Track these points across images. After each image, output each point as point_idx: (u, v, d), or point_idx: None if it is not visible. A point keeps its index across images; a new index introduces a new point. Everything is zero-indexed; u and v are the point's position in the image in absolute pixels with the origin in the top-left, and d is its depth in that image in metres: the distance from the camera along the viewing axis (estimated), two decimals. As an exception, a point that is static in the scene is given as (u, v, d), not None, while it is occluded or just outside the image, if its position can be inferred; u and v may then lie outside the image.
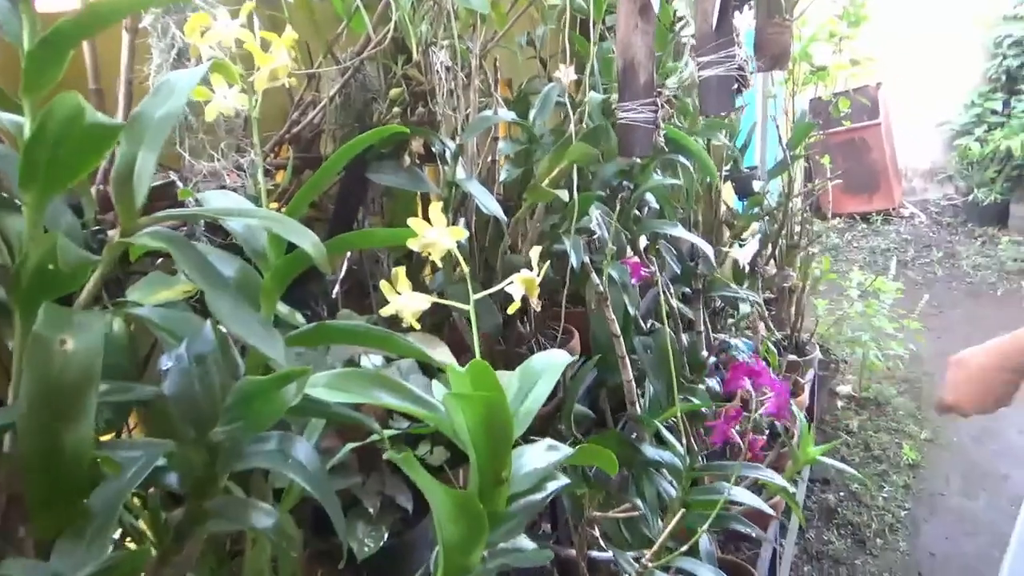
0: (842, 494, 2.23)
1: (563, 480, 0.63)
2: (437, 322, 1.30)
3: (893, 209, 4.95)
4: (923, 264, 4.27)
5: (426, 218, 1.18)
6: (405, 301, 0.60)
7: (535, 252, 0.59)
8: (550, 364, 0.64)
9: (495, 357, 1.30)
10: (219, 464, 0.57)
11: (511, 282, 0.59)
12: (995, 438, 2.52)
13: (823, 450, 1.30)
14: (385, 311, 0.59)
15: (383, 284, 0.60)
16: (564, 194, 0.99)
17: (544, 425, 1.25)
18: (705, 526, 0.92)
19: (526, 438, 0.64)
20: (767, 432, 1.47)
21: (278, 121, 1.15)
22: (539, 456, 0.60)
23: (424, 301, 0.60)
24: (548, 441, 0.64)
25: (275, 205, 1.11)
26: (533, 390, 0.62)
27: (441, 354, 1.12)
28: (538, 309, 1.46)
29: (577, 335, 1.50)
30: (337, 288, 1.24)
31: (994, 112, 4.99)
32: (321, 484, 0.58)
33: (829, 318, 2.68)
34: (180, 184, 0.95)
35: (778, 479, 1.02)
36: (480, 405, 0.51)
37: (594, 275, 0.99)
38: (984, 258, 4.36)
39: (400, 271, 0.60)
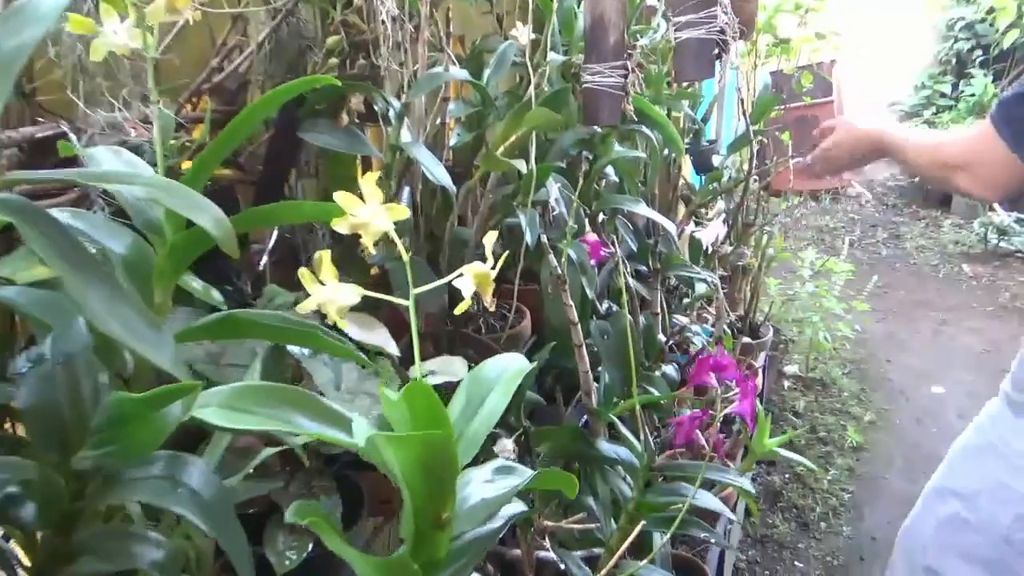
0: (787, 476, 2.22)
1: (518, 507, 0.54)
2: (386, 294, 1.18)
3: (841, 188, 4.98)
4: (869, 244, 4.31)
5: (387, 170, 1.04)
6: (330, 294, 0.49)
7: (489, 238, 0.49)
8: (505, 372, 0.54)
9: (439, 338, 1.20)
10: (89, 496, 0.45)
11: (460, 274, 0.48)
12: (936, 420, 2.55)
13: (779, 442, 1.24)
14: (304, 306, 0.47)
15: (302, 273, 0.48)
16: (521, 164, 0.88)
17: (491, 414, 1.15)
18: (667, 537, 0.84)
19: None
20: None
21: (198, 68, 1.00)
22: (488, 485, 0.51)
23: (353, 295, 0.49)
24: (497, 463, 0.54)
25: (188, 165, 0.98)
26: (484, 405, 0.51)
27: (379, 336, 1.01)
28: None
29: (528, 315, 1.41)
30: (265, 259, 1.12)
31: (943, 95, 5.04)
32: (219, 518, 0.47)
33: (780, 298, 2.65)
34: (72, 137, 0.81)
35: (746, 484, 0.95)
36: (417, 446, 0.40)
37: (551, 256, 0.89)
38: (927, 240, 4.42)
39: (325, 256, 0.49)
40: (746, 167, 2.17)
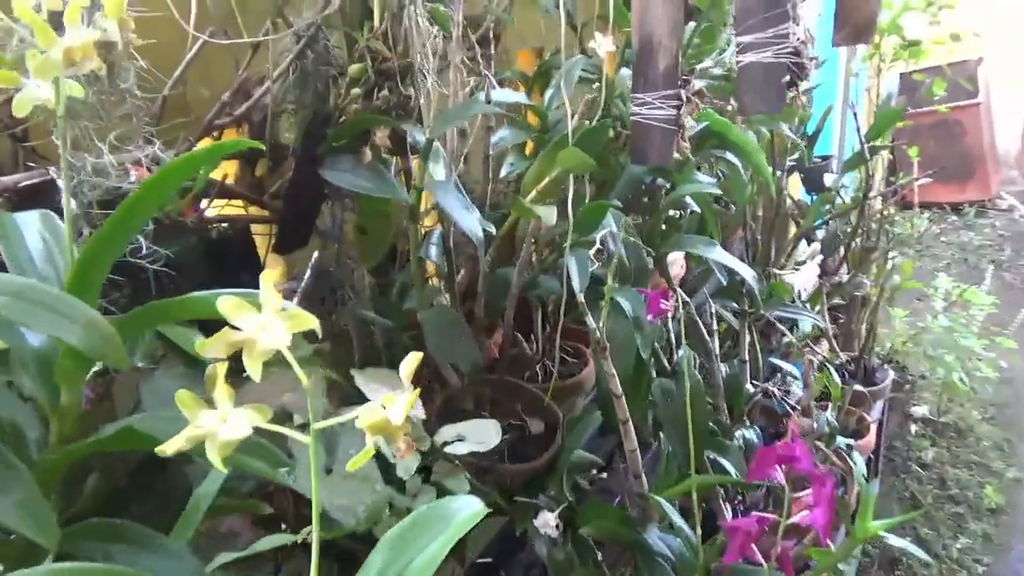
0: (908, 538, 1.94)
1: None
2: (422, 343, 1.09)
3: (988, 200, 4.45)
4: (1021, 265, 3.81)
5: (412, 213, 0.93)
6: (213, 423, 0.38)
7: (408, 365, 0.37)
8: (448, 521, 0.41)
9: (481, 389, 1.08)
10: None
11: (356, 416, 0.36)
12: (1097, 481, 2.18)
13: (888, 525, 1.04)
14: (169, 446, 0.37)
15: (179, 397, 0.38)
16: (551, 214, 0.75)
17: (534, 483, 1.02)
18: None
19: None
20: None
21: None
22: None
23: (246, 425, 0.38)
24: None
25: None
26: (408, 568, 0.39)
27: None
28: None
29: (592, 363, 1.27)
30: (295, 300, 1.04)
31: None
32: None
33: (907, 331, 2.35)
34: (60, 184, 0.76)
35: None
36: None
37: (588, 317, 0.75)
38: (1093, 260, 3.86)
39: (219, 369, 0.38)
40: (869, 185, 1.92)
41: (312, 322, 0.38)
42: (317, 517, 0.37)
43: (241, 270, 0.92)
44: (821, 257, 1.46)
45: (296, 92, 0.93)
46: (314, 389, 0.79)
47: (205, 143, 0.93)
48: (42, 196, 0.74)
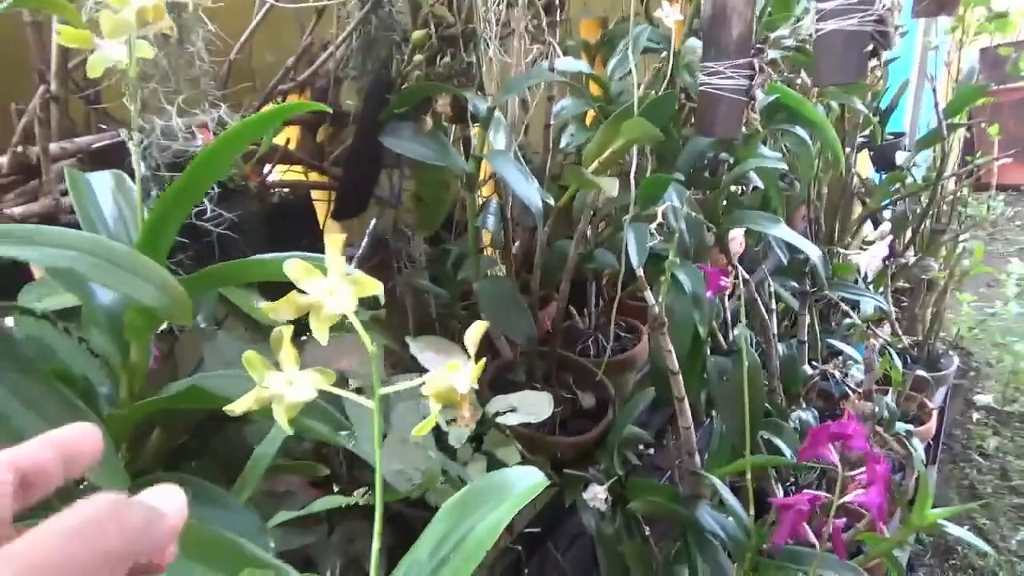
0: (965, 527, 1.89)
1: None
2: (476, 313, 1.09)
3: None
4: (1100, 251, 3.62)
5: (470, 182, 0.92)
6: (280, 386, 0.38)
7: (473, 334, 0.36)
8: (508, 490, 0.41)
9: (534, 361, 1.08)
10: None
11: (421, 383, 0.36)
12: None
13: (947, 514, 1.01)
14: (238, 405, 0.38)
15: (247, 358, 0.38)
16: (613, 186, 0.74)
17: (583, 456, 1.02)
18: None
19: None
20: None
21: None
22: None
23: (311, 388, 0.38)
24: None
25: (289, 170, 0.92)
26: (467, 539, 0.39)
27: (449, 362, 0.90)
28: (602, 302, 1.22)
29: (646, 336, 1.26)
30: (353, 265, 1.05)
31: None
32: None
33: (974, 316, 2.26)
34: (131, 146, 0.78)
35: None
36: None
37: (648, 292, 0.74)
38: None
39: (286, 332, 0.38)
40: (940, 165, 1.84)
41: (377, 287, 0.38)
42: (380, 482, 0.37)
43: (301, 235, 0.93)
44: (891, 237, 1.40)
45: (359, 58, 0.93)
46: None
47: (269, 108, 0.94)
48: (112, 158, 0.76)
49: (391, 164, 1.02)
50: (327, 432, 0.48)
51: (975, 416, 2.31)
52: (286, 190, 0.93)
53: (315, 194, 0.96)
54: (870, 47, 0.62)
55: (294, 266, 0.37)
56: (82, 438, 0.25)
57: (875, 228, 1.95)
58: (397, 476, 0.69)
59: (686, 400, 0.82)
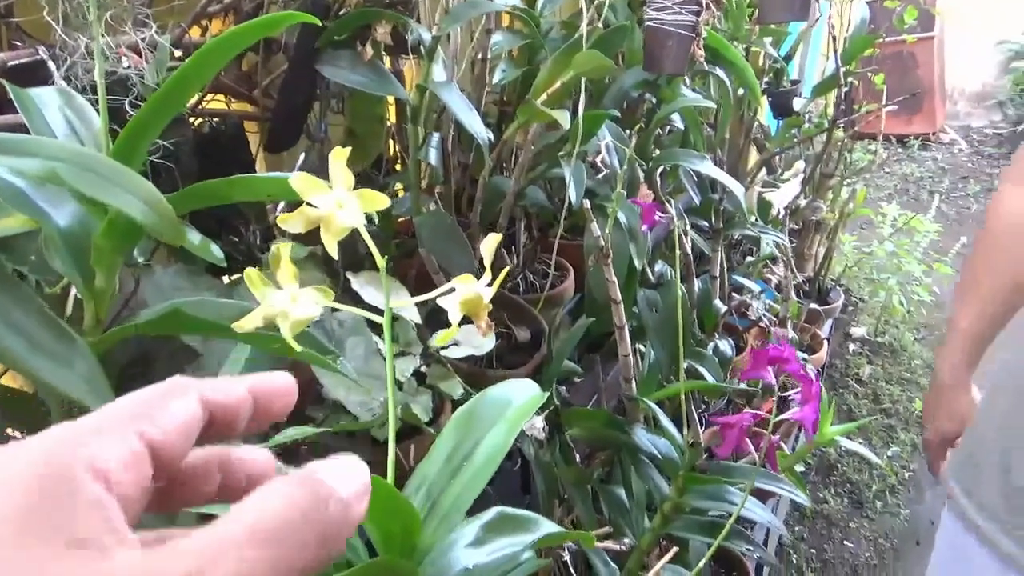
0: (843, 448, 2.08)
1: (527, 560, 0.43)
2: (408, 251, 1.09)
3: (933, 134, 4.60)
4: (958, 198, 3.98)
5: (398, 122, 0.91)
6: (285, 302, 0.38)
7: (489, 244, 0.37)
8: (510, 405, 0.43)
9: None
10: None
11: (452, 289, 0.37)
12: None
13: (844, 430, 1.11)
14: (246, 323, 0.37)
15: (248, 275, 0.37)
16: (564, 116, 0.75)
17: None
18: (710, 552, 0.74)
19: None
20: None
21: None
22: (475, 551, 0.40)
23: (315, 305, 0.38)
24: (489, 515, 0.44)
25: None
26: (477, 450, 0.40)
27: (398, 299, 0.90)
28: (526, 243, 1.24)
29: (572, 273, 1.29)
30: (282, 204, 1.02)
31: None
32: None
33: (853, 255, 2.45)
34: (51, 65, 0.72)
35: (801, 497, 0.84)
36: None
37: (593, 224, 0.76)
38: None
39: (283, 249, 0.38)
40: (830, 112, 1.96)
41: (385, 202, 0.38)
42: (393, 405, 0.37)
43: (233, 166, 0.89)
44: (803, 176, 1.49)
45: (290, -20, 0.88)
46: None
47: (195, 32, 0.88)
48: (30, 77, 0.70)
49: (320, 96, 0.99)
50: (316, 356, 0.48)
51: (851, 347, 2.53)
52: (215, 120, 0.89)
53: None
54: (812, -13, 0.65)
55: (301, 180, 0.36)
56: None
57: (767, 173, 2.06)
58: (360, 406, 0.69)
59: (626, 328, 0.86)
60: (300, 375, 0.80)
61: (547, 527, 0.45)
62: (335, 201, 0.37)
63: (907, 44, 3.94)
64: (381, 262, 0.37)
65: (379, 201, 0.38)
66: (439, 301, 0.37)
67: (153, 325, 0.46)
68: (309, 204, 0.37)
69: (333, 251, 0.37)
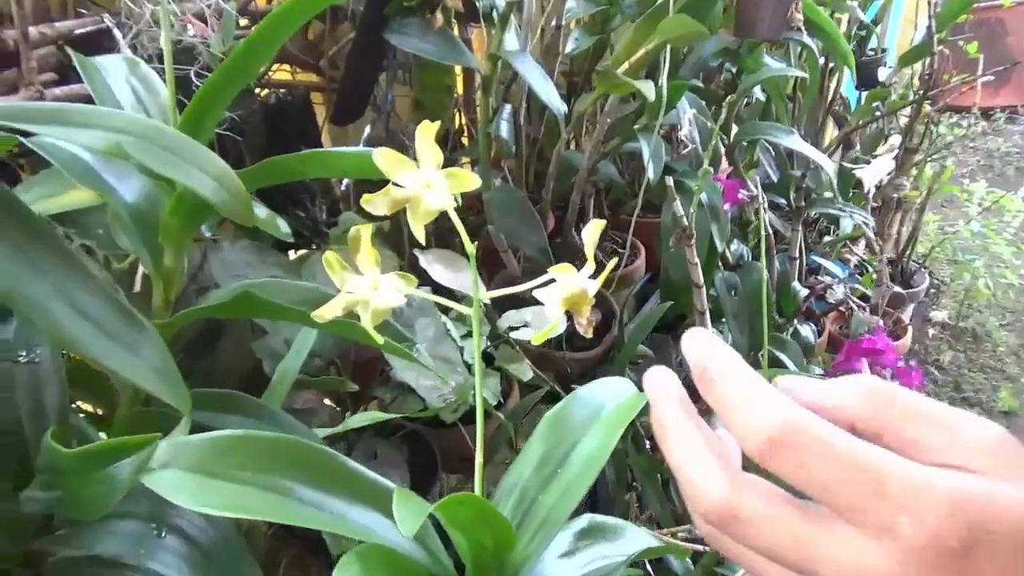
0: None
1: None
2: (473, 228, 1.05)
3: (1021, 106, 4.32)
4: (1047, 174, 3.73)
5: (465, 93, 0.87)
6: (366, 289, 0.34)
7: (591, 231, 0.33)
8: (604, 406, 0.38)
9: (540, 275, 1.05)
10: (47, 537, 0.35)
11: (551, 280, 0.33)
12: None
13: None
14: (327, 311, 0.33)
15: (326, 259, 0.34)
16: (648, 87, 0.70)
17: (587, 371, 1.01)
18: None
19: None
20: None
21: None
22: (566, 563, 0.36)
23: (398, 293, 0.34)
24: (582, 522, 0.40)
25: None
26: (571, 458, 0.36)
27: (466, 280, 0.87)
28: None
29: (643, 251, 1.24)
30: (346, 179, 1.00)
31: None
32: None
33: (936, 235, 2.32)
34: (117, 33, 0.70)
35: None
36: None
37: (676, 203, 0.71)
38: (1120, 173, 3.79)
39: (364, 232, 0.34)
40: (915, 83, 1.84)
41: (476, 182, 0.34)
42: (480, 389, 0.34)
43: (300, 139, 0.87)
44: (897, 151, 1.40)
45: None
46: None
47: (260, 0, 0.85)
48: (96, 45, 0.68)
49: (388, 67, 0.95)
50: (392, 344, 0.44)
51: (931, 332, 2.40)
52: (282, 91, 0.86)
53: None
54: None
55: (386, 157, 0.33)
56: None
57: (845, 149, 1.95)
58: (430, 391, 0.66)
59: (707, 313, 0.81)
60: (366, 353, 0.77)
61: (633, 533, 0.41)
62: (423, 181, 0.33)
63: (998, 10, 3.70)
64: (471, 248, 0.33)
65: (470, 181, 0.34)
66: (535, 293, 0.33)
67: (223, 308, 0.43)
68: (395, 184, 0.33)
69: (420, 236, 0.33)
